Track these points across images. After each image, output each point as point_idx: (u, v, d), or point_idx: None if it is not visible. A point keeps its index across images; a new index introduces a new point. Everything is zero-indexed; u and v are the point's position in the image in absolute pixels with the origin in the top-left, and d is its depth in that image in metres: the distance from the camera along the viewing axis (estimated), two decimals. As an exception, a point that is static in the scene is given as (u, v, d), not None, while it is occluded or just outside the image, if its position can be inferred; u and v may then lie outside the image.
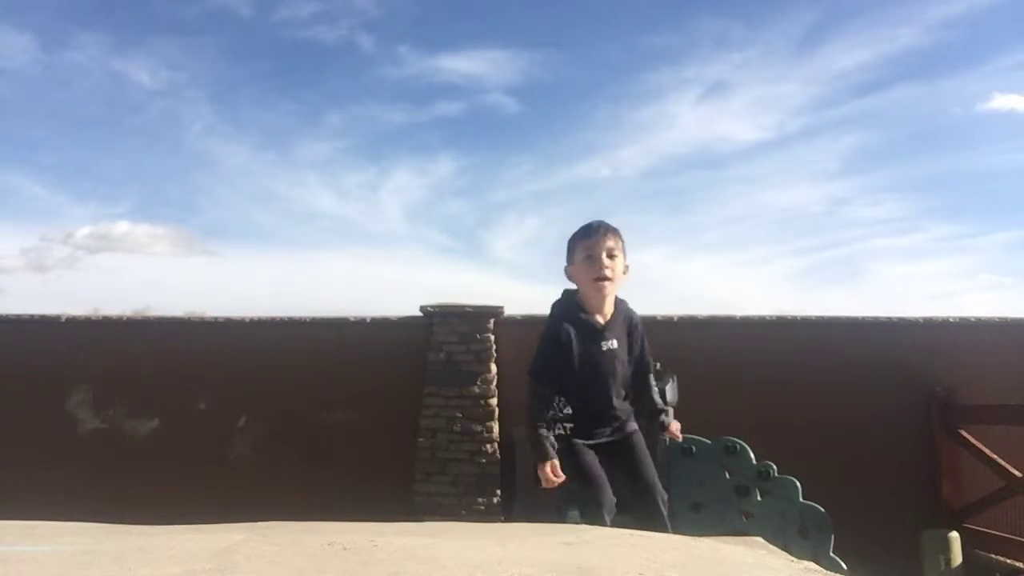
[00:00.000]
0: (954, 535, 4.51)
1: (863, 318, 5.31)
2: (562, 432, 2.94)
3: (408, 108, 17.63)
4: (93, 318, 5.53)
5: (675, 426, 3.16)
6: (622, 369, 2.97)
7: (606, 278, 2.88)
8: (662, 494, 2.92)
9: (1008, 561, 4.36)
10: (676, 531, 2.99)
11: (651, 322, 5.26)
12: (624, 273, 2.99)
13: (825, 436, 4.91)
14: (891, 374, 5.05)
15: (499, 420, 5.06)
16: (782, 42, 16.17)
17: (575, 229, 3.04)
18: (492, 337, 5.19)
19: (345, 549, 1.54)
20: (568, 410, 2.94)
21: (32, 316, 5.50)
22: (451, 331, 5.22)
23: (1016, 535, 4.40)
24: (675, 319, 5.25)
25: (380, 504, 3.85)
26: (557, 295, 3.06)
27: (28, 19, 14.99)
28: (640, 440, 3.01)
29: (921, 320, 5.23)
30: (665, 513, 2.88)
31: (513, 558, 1.52)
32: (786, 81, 16.93)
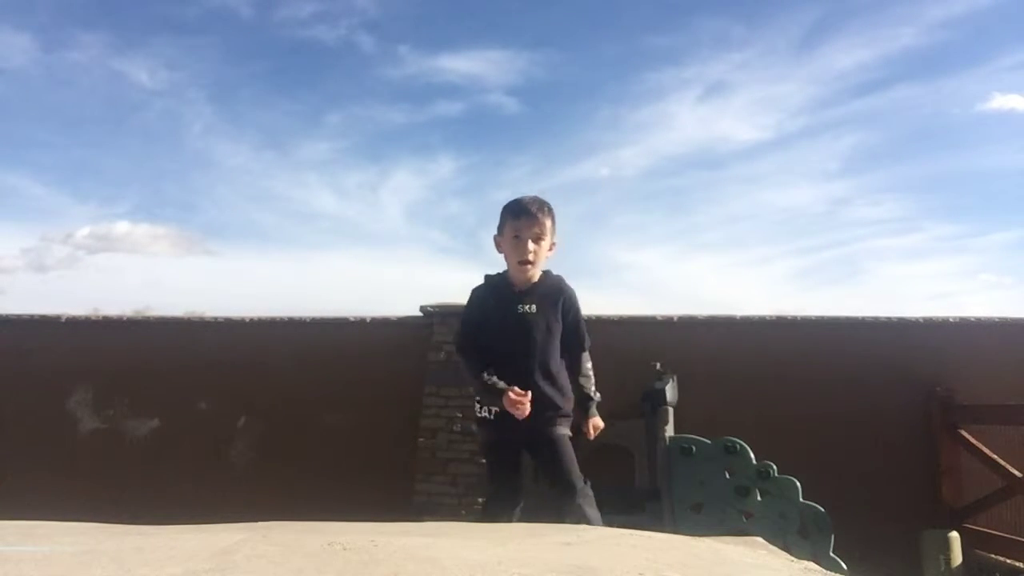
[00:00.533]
0: (954, 535, 4.51)
1: (863, 318, 5.31)
2: (486, 416, 2.96)
3: (408, 108, 17.67)
4: (93, 318, 5.54)
5: (594, 422, 3.12)
6: (542, 336, 2.95)
7: (528, 262, 2.95)
8: (582, 493, 2.87)
9: (1008, 561, 4.36)
10: (676, 531, 3.00)
11: (651, 322, 5.27)
12: (550, 250, 3.05)
13: (825, 436, 4.91)
14: (891, 374, 5.05)
15: (499, 420, 5.05)
16: (782, 42, 16.20)
17: (507, 202, 3.05)
18: (492, 337, 5.19)
19: (345, 549, 1.54)
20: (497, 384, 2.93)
21: (32, 316, 5.50)
22: (451, 331, 5.20)
23: (1016, 535, 4.40)
24: (675, 319, 5.25)
25: (380, 504, 3.85)
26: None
27: (28, 19, 15.02)
28: (563, 447, 2.93)
29: (921, 320, 5.22)
30: (587, 510, 2.85)
31: (513, 558, 1.52)
32: (786, 81, 16.96)
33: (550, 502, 2.90)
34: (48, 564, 1.45)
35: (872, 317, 5.31)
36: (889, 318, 5.28)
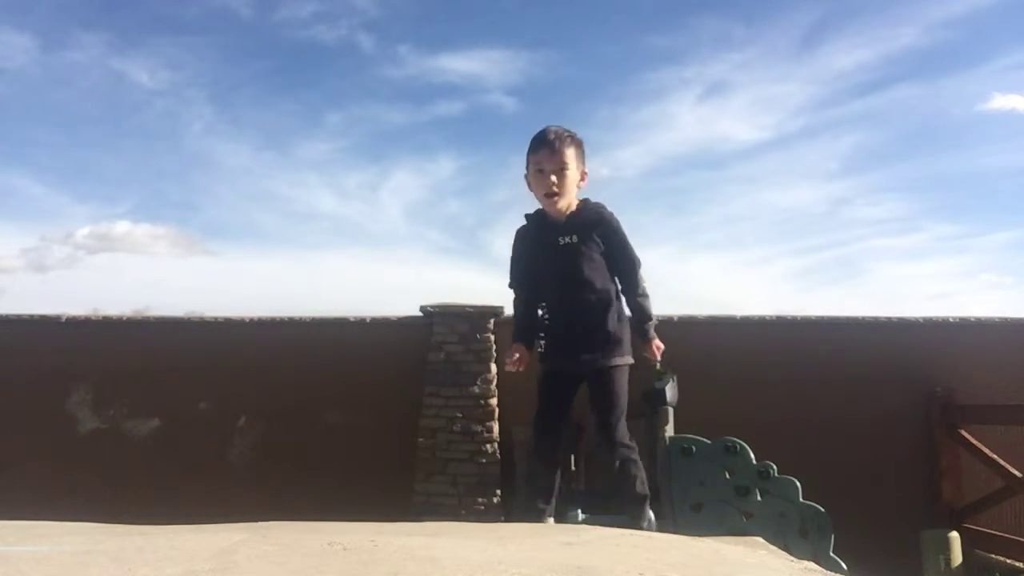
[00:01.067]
0: (954, 535, 4.51)
1: (863, 318, 5.31)
2: (540, 350, 2.98)
3: (408, 108, 17.67)
4: (93, 318, 5.53)
5: (656, 343, 3.07)
6: (587, 266, 2.93)
7: (554, 194, 2.93)
8: (619, 439, 2.90)
9: (1008, 561, 4.36)
10: (676, 531, 3.00)
11: (651, 322, 5.26)
12: (581, 180, 3.01)
13: (825, 436, 4.91)
14: (891, 374, 5.05)
15: (499, 420, 5.05)
16: (782, 42, 16.20)
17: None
18: (492, 337, 5.19)
19: (345, 549, 1.54)
20: (547, 318, 2.97)
21: (32, 316, 5.49)
22: (451, 331, 5.21)
23: (1016, 535, 4.40)
24: (675, 319, 5.24)
25: (380, 504, 3.85)
26: None
27: (28, 19, 15.01)
28: (611, 379, 2.92)
29: (921, 320, 5.22)
30: (622, 457, 2.88)
31: (513, 558, 1.52)
32: (786, 81, 16.96)
33: (598, 448, 2.93)
34: (47, 564, 1.45)
35: (872, 317, 5.31)
36: (889, 318, 5.28)
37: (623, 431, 2.90)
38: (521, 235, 3.10)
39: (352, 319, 5.44)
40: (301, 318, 5.50)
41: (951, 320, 5.24)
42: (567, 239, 2.94)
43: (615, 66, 17.46)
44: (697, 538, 2.05)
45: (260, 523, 2.08)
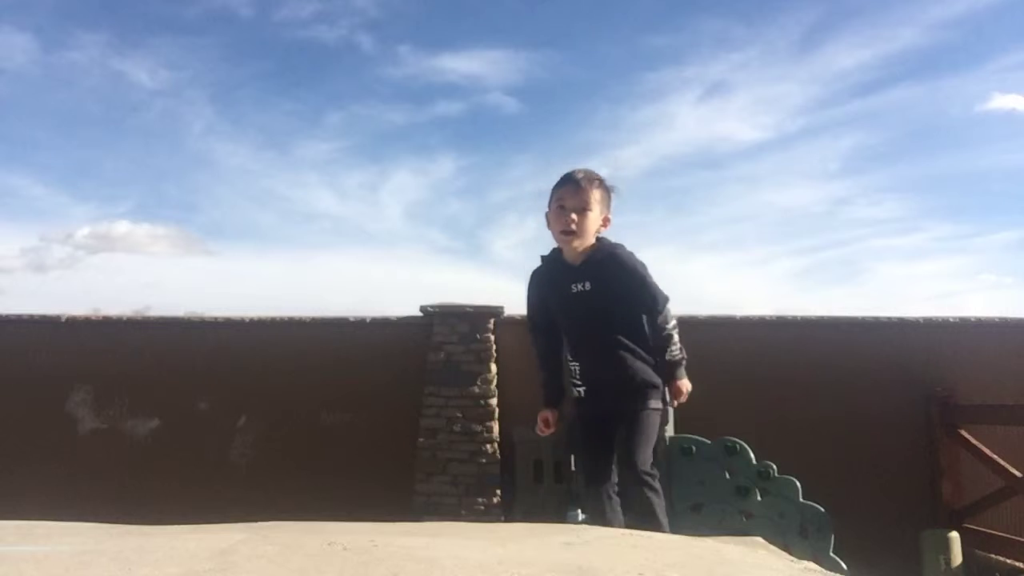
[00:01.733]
0: (954, 535, 4.50)
1: (863, 318, 5.31)
2: (577, 395, 2.94)
3: (408, 108, 17.67)
4: (93, 318, 5.53)
5: (678, 385, 2.99)
6: (603, 313, 2.85)
7: (571, 232, 2.83)
8: (646, 481, 2.77)
9: (1008, 561, 4.36)
10: (676, 531, 2.99)
11: (651, 322, 5.27)
12: (603, 226, 2.92)
13: (825, 436, 4.91)
14: (891, 374, 5.05)
15: (499, 420, 5.06)
16: (782, 42, 16.20)
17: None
18: (492, 337, 5.19)
19: (345, 549, 1.54)
20: (573, 364, 2.92)
21: (32, 316, 5.49)
22: (451, 331, 5.21)
23: (1016, 535, 4.40)
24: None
25: (380, 504, 3.85)
26: None
27: (28, 19, 15.00)
28: (640, 419, 2.82)
29: (921, 320, 5.22)
30: (646, 494, 2.75)
31: (513, 558, 1.52)
32: (786, 81, 16.96)
33: (620, 484, 2.81)
34: (48, 564, 1.45)
35: (872, 317, 5.31)
36: (889, 318, 5.28)
37: (644, 459, 2.81)
38: (535, 278, 3.02)
39: (352, 319, 5.44)
40: (301, 318, 5.50)
41: (951, 320, 5.24)
42: (580, 286, 2.85)
43: (615, 66, 17.48)
44: (697, 538, 2.05)
45: (260, 523, 2.08)
